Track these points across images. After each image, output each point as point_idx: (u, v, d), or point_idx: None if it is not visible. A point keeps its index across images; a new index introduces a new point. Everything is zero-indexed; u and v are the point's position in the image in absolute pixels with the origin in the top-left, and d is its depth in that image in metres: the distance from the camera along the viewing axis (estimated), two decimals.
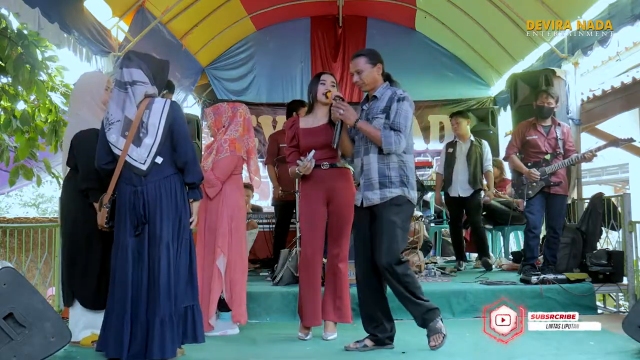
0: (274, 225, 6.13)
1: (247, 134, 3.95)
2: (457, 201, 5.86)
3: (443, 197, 6.08)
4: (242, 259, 3.88)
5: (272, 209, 6.53)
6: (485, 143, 6.04)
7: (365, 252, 3.27)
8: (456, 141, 5.98)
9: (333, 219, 3.61)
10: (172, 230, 3.00)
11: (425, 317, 3.20)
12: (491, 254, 6.11)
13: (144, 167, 3.00)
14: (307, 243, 3.60)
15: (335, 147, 3.37)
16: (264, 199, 8.06)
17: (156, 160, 3.01)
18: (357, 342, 3.28)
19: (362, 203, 3.29)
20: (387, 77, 3.35)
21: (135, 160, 3.00)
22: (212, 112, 3.94)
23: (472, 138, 5.94)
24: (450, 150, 5.98)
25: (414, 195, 3.27)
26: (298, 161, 3.52)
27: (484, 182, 5.96)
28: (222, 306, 3.82)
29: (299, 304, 3.66)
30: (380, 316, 3.28)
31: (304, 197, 3.66)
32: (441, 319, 3.22)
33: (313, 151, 3.50)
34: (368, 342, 3.27)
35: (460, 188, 5.80)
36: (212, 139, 4.04)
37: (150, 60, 3.16)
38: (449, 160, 5.95)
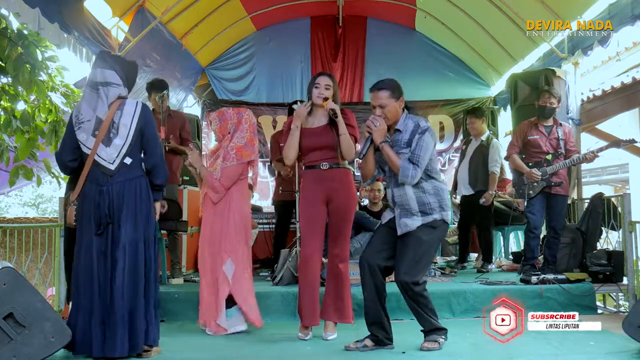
0: (274, 225, 6.13)
1: (254, 140, 3.94)
2: (465, 201, 5.86)
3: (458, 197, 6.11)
4: (250, 264, 3.89)
5: (272, 209, 6.53)
6: (493, 143, 5.84)
7: (380, 254, 3.26)
8: (471, 139, 5.95)
9: (333, 219, 3.62)
10: (137, 231, 3.04)
11: (431, 329, 3.25)
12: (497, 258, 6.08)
13: (113, 167, 3.05)
14: (306, 243, 3.61)
15: (360, 158, 3.34)
16: (264, 199, 8.06)
17: (125, 161, 3.06)
18: (357, 342, 3.28)
19: (391, 220, 3.28)
20: (404, 105, 3.36)
21: (104, 160, 3.05)
22: (218, 118, 3.94)
23: (484, 138, 5.83)
24: (464, 147, 6.00)
25: (448, 215, 3.30)
26: (294, 106, 3.52)
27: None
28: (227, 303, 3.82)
29: (299, 304, 3.66)
30: (382, 316, 3.28)
31: (304, 197, 3.67)
32: (444, 338, 3.25)
33: (309, 101, 3.56)
34: (368, 342, 3.27)
35: (464, 187, 5.81)
36: (217, 143, 4.07)
37: (122, 62, 3.22)
38: (460, 159, 5.99)
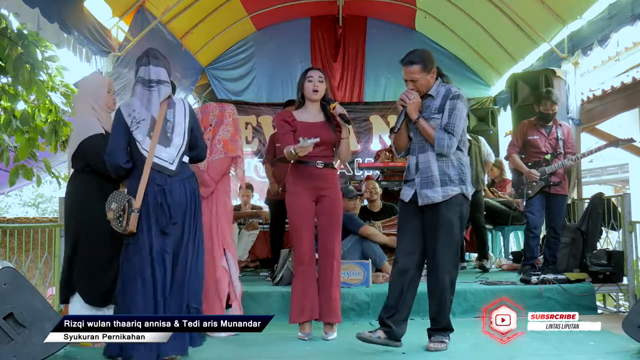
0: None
1: (237, 135, 3.92)
2: None
3: None
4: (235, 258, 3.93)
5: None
6: (481, 138, 5.91)
7: (412, 245, 3.24)
8: None
9: (322, 218, 3.60)
10: (192, 230, 3.01)
11: (441, 327, 3.24)
12: (491, 254, 6.06)
13: (173, 167, 2.98)
14: (299, 241, 3.58)
15: (395, 132, 3.30)
16: (264, 199, 8.06)
17: (184, 160, 3.03)
18: (370, 332, 3.23)
19: (411, 200, 3.24)
20: (438, 73, 3.29)
21: (165, 161, 2.96)
22: (200, 111, 3.92)
23: (469, 136, 5.85)
24: None
25: (470, 190, 3.26)
26: (300, 138, 3.40)
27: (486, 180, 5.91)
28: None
29: (291, 302, 3.64)
30: (403, 311, 3.23)
31: (292, 195, 3.60)
32: (449, 339, 3.26)
33: (317, 139, 3.40)
34: (381, 333, 3.21)
35: None
36: None
37: (168, 62, 3.18)
38: None
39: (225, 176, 3.87)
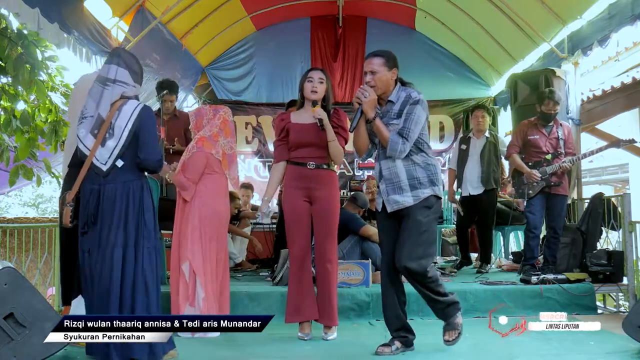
0: (274, 226, 6.14)
1: (230, 138, 3.84)
2: (469, 201, 5.70)
3: (458, 196, 5.94)
4: (223, 267, 3.77)
5: (272, 209, 6.54)
6: (499, 136, 5.89)
7: (392, 255, 3.20)
8: (470, 137, 5.78)
9: (317, 220, 3.59)
10: (128, 235, 2.93)
11: (445, 311, 3.19)
12: (492, 256, 6.05)
13: (104, 168, 2.97)
14: (294, 242, 3.59)
15: (351, 131, 3.23)
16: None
17: (116, 163, 2.96)
18: (385, 345, 3.18)
19: (383, 208, 3.18)
20: (399, 80, 3.25)
21: (98, 160, 2.97)
22: (194, 115, 3.89)
23: (487, 134, 5.74)
24: (464, 147, 5.78)
25: (440, 190, 3.21)
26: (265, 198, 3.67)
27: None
28: None
29: (287, 302, 3.63)
30: (404, 319, 3.24)
31: (288, 195, 3.62)
32: (460, 313, 3.21)
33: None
34: (398, 344, 3.18)
35: (471, 186, 5.64)
36: None
37: (136, 62, 3.12)
38: (461, 158, 5.76)
39: (207, 176, 3.72)
